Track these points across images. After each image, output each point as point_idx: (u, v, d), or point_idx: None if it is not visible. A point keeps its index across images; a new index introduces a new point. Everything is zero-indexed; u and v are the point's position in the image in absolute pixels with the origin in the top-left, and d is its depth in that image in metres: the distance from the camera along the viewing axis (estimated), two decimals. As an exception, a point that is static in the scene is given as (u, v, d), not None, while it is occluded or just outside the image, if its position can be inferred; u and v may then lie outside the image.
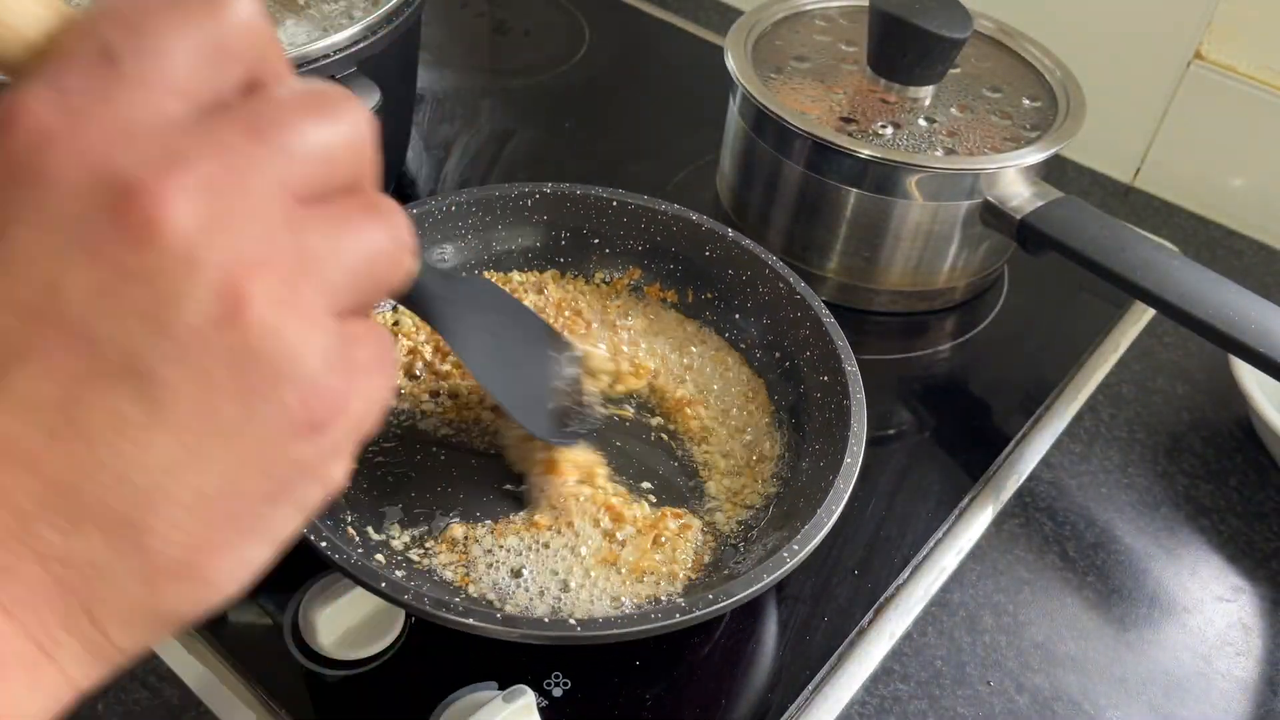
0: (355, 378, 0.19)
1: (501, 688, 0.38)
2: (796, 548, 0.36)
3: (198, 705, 0.38)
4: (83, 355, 0.17)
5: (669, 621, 0.34)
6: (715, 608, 0.34)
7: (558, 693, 0.39)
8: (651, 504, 0.43)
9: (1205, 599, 0.47)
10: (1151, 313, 0.60)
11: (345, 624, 0.40)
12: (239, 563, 0.19)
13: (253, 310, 0.17)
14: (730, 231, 0.49)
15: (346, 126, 0.20)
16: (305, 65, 0.46)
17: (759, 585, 0.35)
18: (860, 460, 0.40)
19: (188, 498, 0.18)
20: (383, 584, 0.34)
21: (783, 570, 0.36)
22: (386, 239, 0.20)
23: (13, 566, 0.17)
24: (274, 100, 0.19)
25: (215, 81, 0.19)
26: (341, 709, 0.38)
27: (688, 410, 0.47)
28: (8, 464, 0.17)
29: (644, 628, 0.34)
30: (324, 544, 0.34)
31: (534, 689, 0.38)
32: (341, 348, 0.19)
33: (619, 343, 0.49)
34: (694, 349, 0.50)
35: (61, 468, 0.17)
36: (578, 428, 0.43)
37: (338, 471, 0.20)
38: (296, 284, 0.18)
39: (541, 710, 0.38)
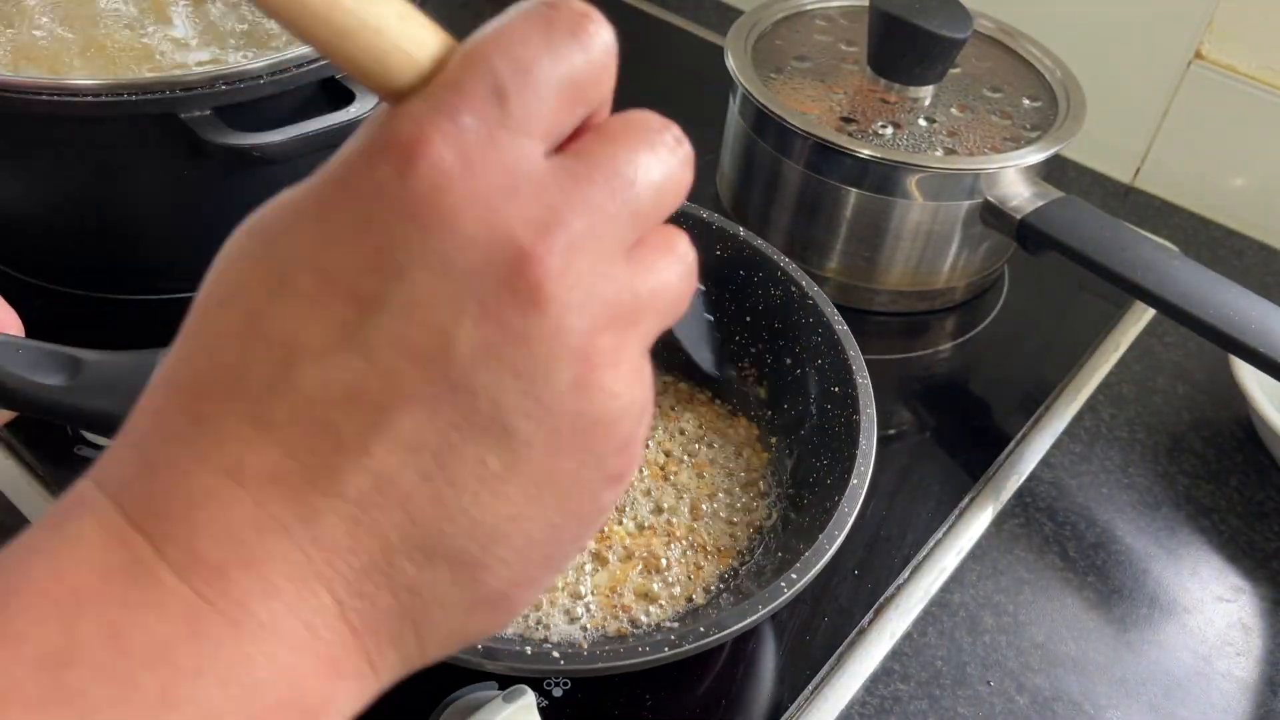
0: (647, 423, 0.21)
1: (501, 688, 0.38)
2: (795, 576, 0.35)
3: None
4: (462, 406, 0.18)
5: (657, 656, 0.33)
6: (710, 640, 0.33)
7: (558, 693, 0.39)
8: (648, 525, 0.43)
9: (1205, 599, 0.47)
10: (1152, 313, 0.60)
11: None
12: (539, 590, 0.21)
13: (600, 375, 0.18)
14: (742, 231, 0.48)
15: (679, 164, 0.21)
16: (306, 65, 0.46)
17: (754, 617, 0.34)
18: (867, 481, 0.39)
19: (520, 542, 0.19)
20: None
21: (780, 601, 0.34)
22: (686, 278, 0.21)
23: (371, 594, 0.18)
24: (621, 143, 0.19)
25: (568, 121, 0.19)
26: (341, 709, 0.38)
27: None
28: (383, 500, 0.18)
29: (630, 662, 0.33)
30: None
31: (534, 689, 0.38)
32: (648, 397, 0.20)
33: None
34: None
35: (428, 508, 0.18)
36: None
37: (615, 503, 0.22)
38: (630, 342, 0.19)
39: (541, 710, 0.38)
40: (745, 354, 0.49)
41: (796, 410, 0.46)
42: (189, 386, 0.18)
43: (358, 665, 0.19)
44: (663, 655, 0.33)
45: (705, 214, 0.49)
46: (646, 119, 0.20)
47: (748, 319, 0.49)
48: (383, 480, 0.17)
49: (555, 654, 0.33)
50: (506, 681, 0.38)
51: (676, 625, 0.38)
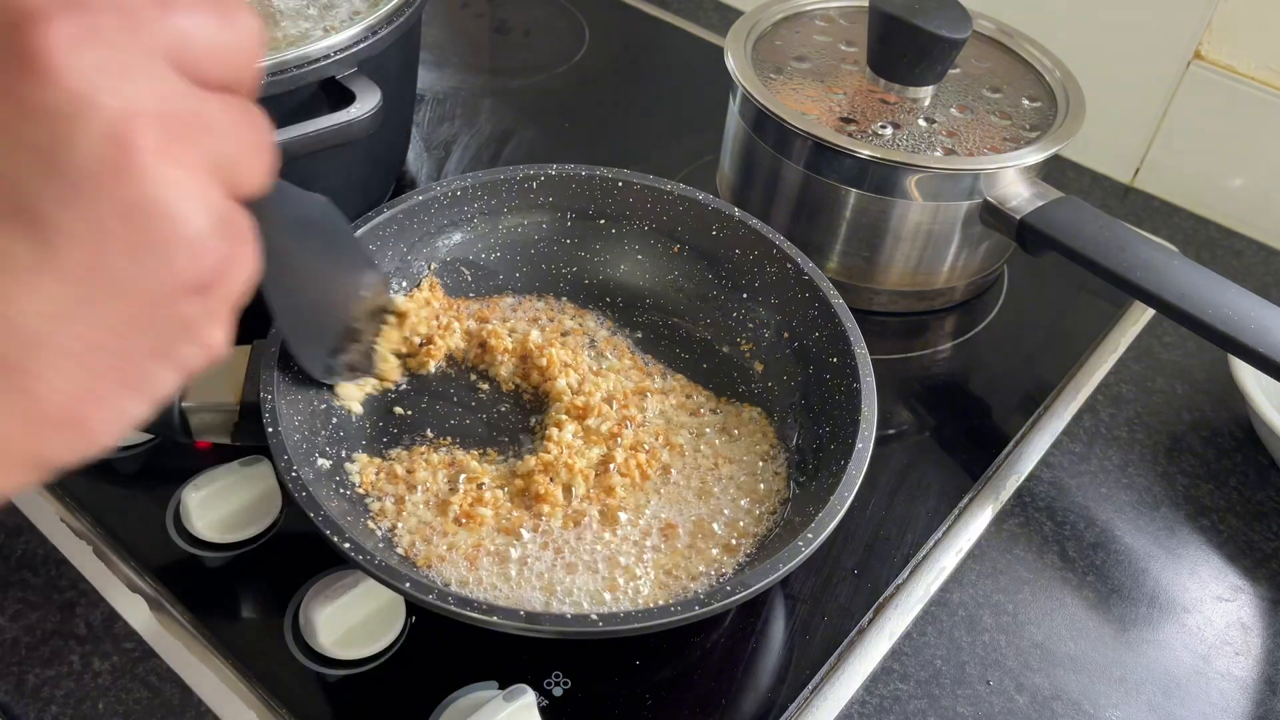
0: (235, 245, 0.20)
1: (502, 687, 0.38)
2: (811, 535, 0.36)
3: (198, 704, 0.38)
4: None
5: (687, 615, 0.34)
6: (735, 598, 0.34)
7: (558, 692, 0.39)
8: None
9: (1204, 598, 0.47)
10: (1151, 313, 0.60)
11: (346, 623, 0.40)
12: (119, 415, 0.19)
13: (144, 160, 0.17)
14: (737, 211, 0.49)
15: (239, 31, 0.20)
16: (306, 65, 0.46)
17: (776, 575, 0.35)
18: (872, 444, 0.40)
19: (75, 347, 0.18)
20: (406, 584, 0.34)
21: (798, 559, 0.35)
22: (255, 138, 0.20)
23: None
24: None
25: None
26: (342, 708, 0.38)
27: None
28: None
29: (664, 621, 0.34)
30: (347, 545, 0.34)
31: (534, 688, 0.38)
32: (223, 215, 0.19)
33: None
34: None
35: None
36: (356, 372, 0.43)
37: (217, 336, 0.20)
38: (184, 142, 0.18)
39: (542, 710, 0.38)
40: (743, 329, 0.49)
41: (795, 382, 0.46)
42: None
43: None
44: (694, 613, 0.34)
45: (701, 195, 0.50)
46: None
47: (744, 295, 0.49)
48: None
49: (594, 617, 0.34)
50: (507, 681, 0.38)
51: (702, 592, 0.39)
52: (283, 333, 0.39)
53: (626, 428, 0.44)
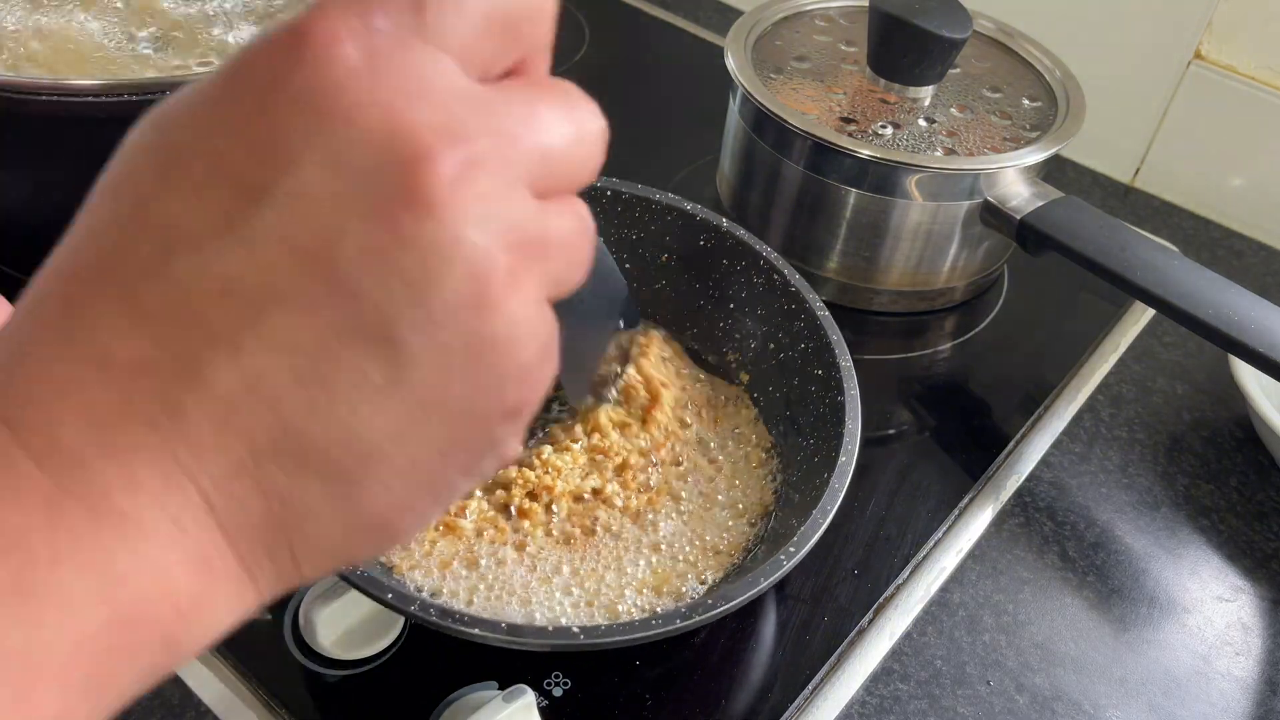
0: (548, 369, 0.20)
1: (501, 688, 0.38)
2: (793, 549, 0.36)
3: (197, 705, 0.38)
4: (343, 310, 0.17)
5: (668, 628, 0.34)
6: (715, 612, 0.34)
7: (558, 692, 0.39)
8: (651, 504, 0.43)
9: (1205, 599, 0.47)
10: (1151, 313, 0.60)
11: (345, 624, 0.40)
12: (422, 520, 0.20)
13: (500, 297, 0.18)
14: (725, 221, 0.49)
15: (593, 134, 0.20)
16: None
17: (758, 588, 0.35)
18: (855, 458, 0.40)
19: (402, 464, 0.18)
20: (388, 594, 0.34)
21: (780, 572, 0.35)
22: (584, 243, 0.21)
23: (241, 497, 0.17)
24: (541, 92, 0.19)
25: (494, 56, 0.19)
26: (341, 709, 0.38)
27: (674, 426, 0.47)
28: (254, 401, 0.17)
29: (644, 635, 0.34)
30: None
31: (534, 689, 0.38)
32: (548, 336, 0.20)
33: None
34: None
35: (301, 414, 0.17)
36: (604, 390, 0.44)
37: (515, 447, 0.21)
38: (536, 275, 0.19)
39: (541, 710, 0.38)
40: (729, 341, 0.49)
41: (781, 394, 0.47)
42: (69, 273, 0.18)
43: (232, 568, 0.18)
44: (674, 627, 0.34)
45: (689, 206, 0.50)
46: (572, 86, 0.20)
47: (731, 306, 0.49)
48: (253, 379, 0.17)
49: (575, 629, 0.34)
50: (507, 681, 0.38)
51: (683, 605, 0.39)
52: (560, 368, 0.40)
53: (629, 470, 0.43)
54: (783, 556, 0.36)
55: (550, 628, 0.35)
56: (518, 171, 0.18)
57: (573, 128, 0.20)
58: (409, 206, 0.17)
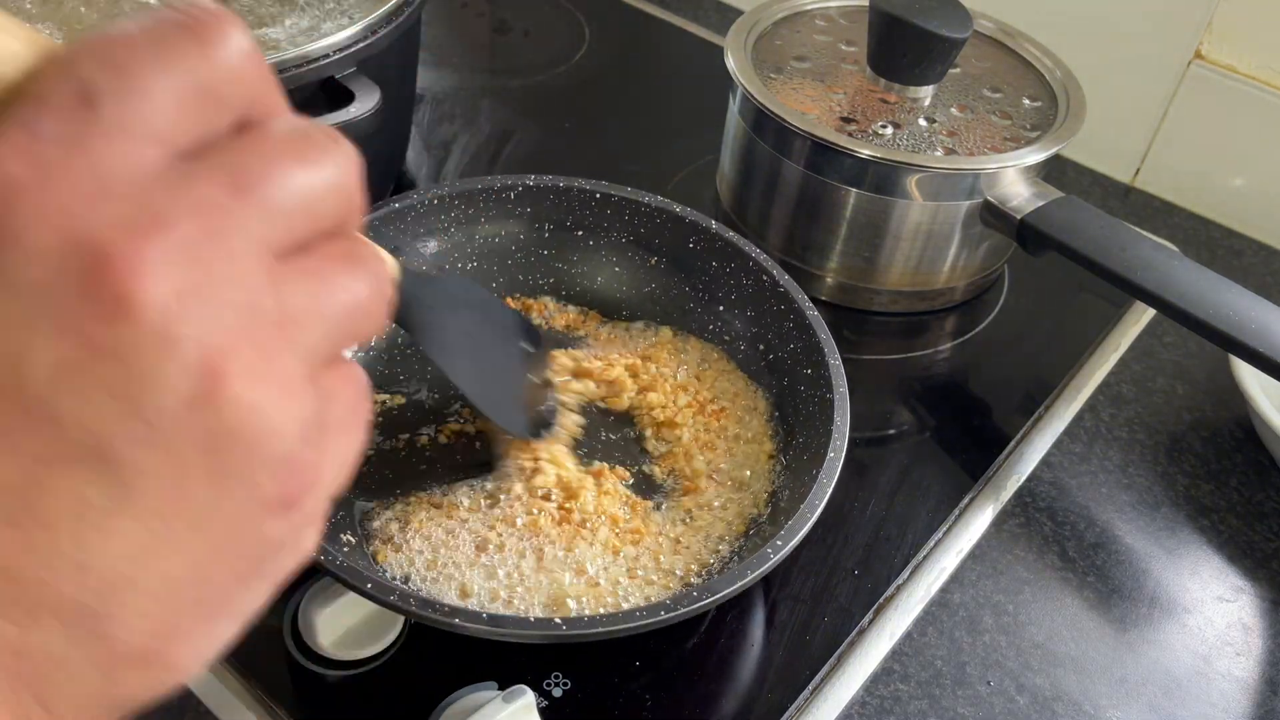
0: (329, 442, 0.18)
1: (501, 688, 0.38)
2: (780, 543, 0.36)
3: (197, 706, 0.38)
4: (45, 436, 0.16)
5: (653, 619, 0.34)
6: (699, 605, 0.34)
7: (558, 693, 0.39)
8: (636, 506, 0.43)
9: (1205, 599, 0.47)
10: (1152, 313, 0.60)
11: (345, 624, 0.40)
12: (205, 644, 0.18)
13: (230, 388, 0.16)
14: (714, 224, 0.49)
15: (334, 170, 0.18)
16: (305, 65, 0.46)
17: (744, 581, 0.35)
18: (844, 454, 0.40)
19: (154, 585, 0.17)
20: (368, 584, 0.34)
21: (767, 566, 0.35)
22: (367, 290, 0.19)
23: None
24: (258, 147, 0.18)
25: (200, 127, 0.17)
26: (341, 709, 0.38)
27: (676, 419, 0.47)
28: None
29: (630, 625, 0.34)
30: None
31: (534, 689, 0.38)
32: (317, 413, 0.18)
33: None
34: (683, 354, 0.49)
35: (18, 555, 0.16)
36: (548, 419, 0.44)
37: (309, 539, 0.19)
38: (276, 352, 0.17)
39: (541, 710, 0.38)
40: (720, 342, 0.49)
41: (771, 394, 0.47)
42: None
43: None
44: (658, 619, 0.34)
45: (678, 208, 0.50)
46: (295, 121, 0.19)
47: (720, 308, 0.50)
48: None
49: (558, 620, 0.34)
50: (506, 681, 0.38)
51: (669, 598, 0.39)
52: (479, 406, 0.40)
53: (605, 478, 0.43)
54: (770, 550, 0.36)
55: (532, 618, 0.35)
56: (240, 238, 0.17)
57: (311, 172, 0.18)
58: (98, 315, 0.15)
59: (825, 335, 0.44)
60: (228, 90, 0.17)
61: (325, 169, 0.18)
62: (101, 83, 0.16)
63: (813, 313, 0.46)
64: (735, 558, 0.41)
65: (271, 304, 0.17)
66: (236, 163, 0.17)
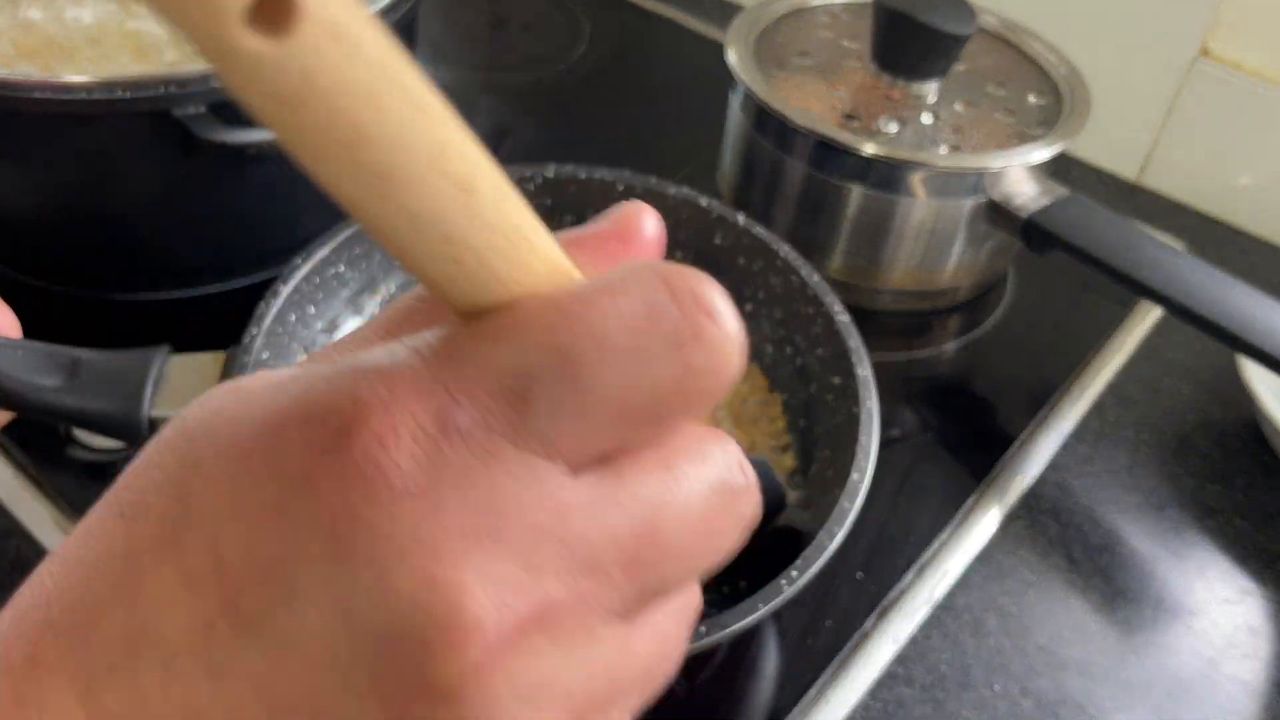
0: None
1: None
2: (795, 574, 0.34)
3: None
4: None
5: None
6: (707, 640, 0.33)
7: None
8: None
9: (1212, 601, 0.46)
10: (1158, 312, 0.60)
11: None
12: None
13: None
14: (742, 218, 0.48)
15: (735, 493, 0.15)
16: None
17: (754, 616, 0.33)
18: (868, 476, 0.38)
19: None
20: None
21: (779, 600, 0.34)
22: (688, 625, 0.16)
23: None
24: (660, 474, 0.14)
25: (624, 441, 0.14)
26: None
27: None
28: None
29: None
30: None
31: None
32: None
33: None
34: None
35: None
36: None
37: None
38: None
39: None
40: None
41: (798, 401, 0.46)
42: (57, 589, 0.15)
43: None
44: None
45: (704, 201, 0.48)
46: (712, 437, 0.15)
47: (748, 308, 0.48)
48: None
49: None
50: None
51: None
52: None
53: None
54: (783, 581, 0.34)
55: None
56: (611, 605, 0.14)
57: (708, 504, 0.14)
58: (423, 696, 0.13)
59: (855, 343, 0.42)
60: (681, 405, 0.14)
61: (731, 495, 0.15)
62: (546, 382, 0.13)
63: (843, 318, 0.43)
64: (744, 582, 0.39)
65: (616, 681, 0.14)
66: (649, 519, 0.14)
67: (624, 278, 0.14)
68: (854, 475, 0.38)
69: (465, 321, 0.14)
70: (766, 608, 0.34)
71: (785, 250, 0.47)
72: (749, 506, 0.15)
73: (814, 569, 0.35)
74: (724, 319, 0.14)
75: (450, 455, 0.13)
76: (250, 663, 0.13)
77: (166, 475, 0.15)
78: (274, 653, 0.13)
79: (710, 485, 0.14)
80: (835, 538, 0.36)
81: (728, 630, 0.33)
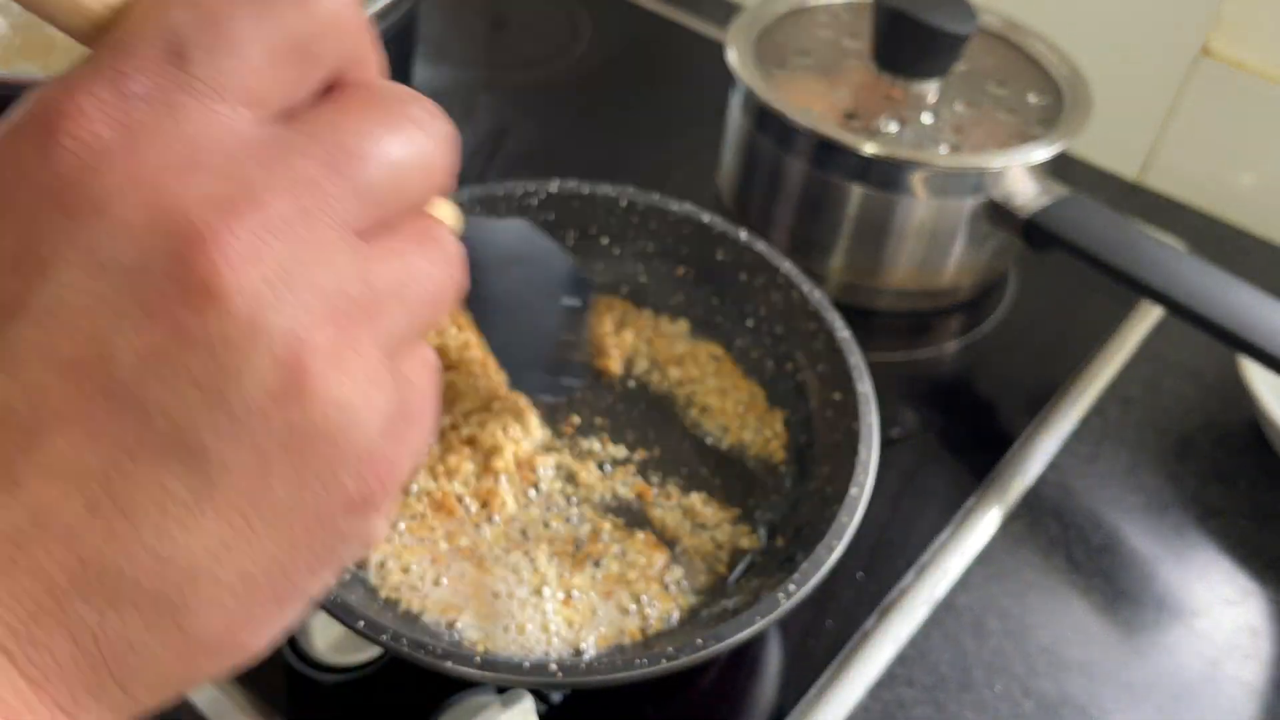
0: (407, 435, 0.18)
1: (500, 691, 0.37)
2: (793, 588, 0.34)
3: (192, 710, 0.38)
4: (130, 424, 0.15)
5: (654, 668, 0.32)
6: (705, 652, 0.33)
7: (556, 698, 0.38)
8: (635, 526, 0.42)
9: (1214, 602, 0.46)
10: (1159, 312, 0.60)
11: (340, 628, 0.39)
12: (274, 629, 0.18)
13: (317, 381, 0.16)
14: (744, 234, 0.48)
15: (429, 145, 0.18)
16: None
17: (752, 628, 0.33)
18: (866, 491, 0.38)
19: (231, 579, 0.16)
20: (359, 622, 0.33)
21: (777, 612, 0.34)
22: (445, 273, 0.18)
23: (45, 641, 0.15)
24: (354, 115, 0.17)
25: (293, 86, 0.16)
26: (337, 714, 0.38)
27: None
28: (43, 536, 0.15)
29: (627, 674, 0.32)
30: None
31: (532, 693, 0.37)
32: (397, 404, 0.17)
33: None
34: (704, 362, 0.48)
35: (100, 544, 0.15)
36: (566, 382, 0.42)
37: (380, 529, 0.19)
38: (362, 342, 0.16)
39: (541, 716, 0.37)
40: (745, 359, 0.48)
41: (798, 416, 0.45)
42: None
43: (44, 715, 0.16)
44: (659, 667, 0.32)
45: (706, 217, 0.49)
46: (392, 89, 0.18)
47: (749, 324, 0.48)
48: (39, 514, 0.15)
49: (553, 666, 0.33)
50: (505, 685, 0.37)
51: (677, 628, 0.38)
52: (505, 367, 0.39)
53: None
54: (780, 595, 0.34)
55: (527, 664, 0.33)
56: (333, 218, 0.16)
57: (407, 146, 0.17)
58: (187, 300, 0.15)
59: (856, 359, 0.42)
60: (324, 44, 0.17)
61: (421, 143, 0.17)
62: (192, 33, 0.15)
63: (843, 334, 0.44)
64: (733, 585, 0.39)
65: (358, 290, 0.16)
66: (331, 133, 0.16)
67: None
68: (852, 490, 0.38)
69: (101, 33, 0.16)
70: (765, 620, 0.34)
71: (786, 266, 0.47)
72: (434, 128, 0.18)
73: (812, 583, 0.35)
74: None
75: (136, 115, 0.15)
76: (30, 339, 0.15)
77: None
78: (47, 321, 0.15)
79: (386, 110, 0.17)
80: (834, 552, 0.36)
81: (726, 642, 0.33)
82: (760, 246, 0.47)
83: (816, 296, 0.45)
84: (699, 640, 0.33)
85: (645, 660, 0.33)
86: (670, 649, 0.33)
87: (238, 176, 0.15)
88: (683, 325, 0.49)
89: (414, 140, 0.17)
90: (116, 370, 0.15)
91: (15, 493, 0.15)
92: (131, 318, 0.15)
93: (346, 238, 0.16)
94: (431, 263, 0.18)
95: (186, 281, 0.15)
